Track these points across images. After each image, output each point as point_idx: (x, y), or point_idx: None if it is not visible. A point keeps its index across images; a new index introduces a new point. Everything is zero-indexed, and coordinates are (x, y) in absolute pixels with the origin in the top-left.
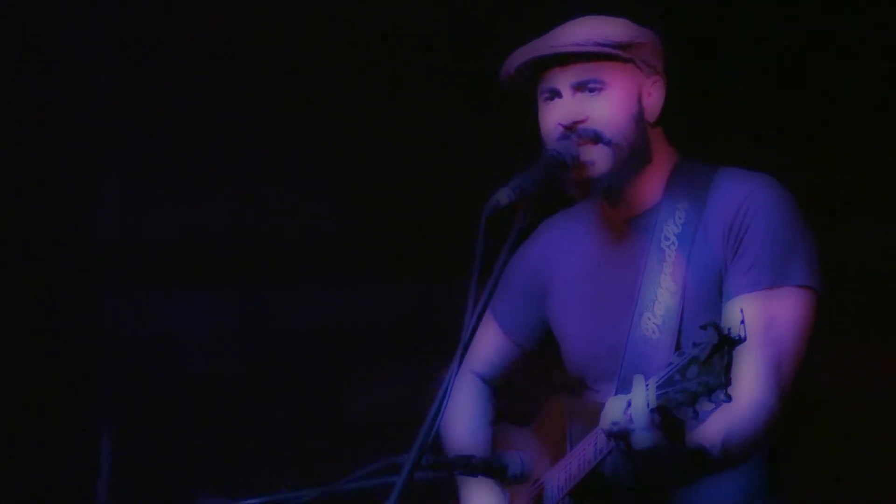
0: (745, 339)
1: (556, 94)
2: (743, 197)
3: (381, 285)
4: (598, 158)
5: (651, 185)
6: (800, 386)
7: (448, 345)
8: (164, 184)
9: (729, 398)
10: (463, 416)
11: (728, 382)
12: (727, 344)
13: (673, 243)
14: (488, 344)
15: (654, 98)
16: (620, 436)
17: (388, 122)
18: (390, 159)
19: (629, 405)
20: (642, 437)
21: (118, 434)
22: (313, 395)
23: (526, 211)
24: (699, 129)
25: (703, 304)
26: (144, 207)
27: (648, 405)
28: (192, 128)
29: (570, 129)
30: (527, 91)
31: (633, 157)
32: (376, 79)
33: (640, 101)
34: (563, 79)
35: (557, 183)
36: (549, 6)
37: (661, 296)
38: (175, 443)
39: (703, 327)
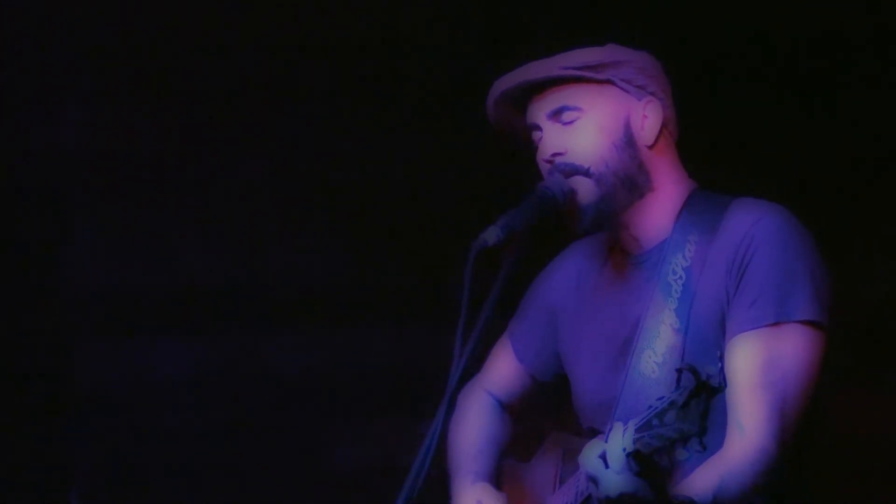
0: (724, 387)
1: (537, 128)
2: (747, 227)
3: (366, 330)
4: (581, 188)
5: (659, 217)
6: (805, 431)
7: (436, 392)
8: (137, 228)
9: (704, 448)
10: (471, 435)
11: (704, 431)
12: (705, 391)
13: (681, 277)
14: (503, 369)
15: (649, 120)
16: (595, 479)
17: (372, 162)
18: (375, 200)
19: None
20: (616, 482)
21: (89, 492)
22: (296, 445)
23: (516, 251)
24: (709, 158)
25: (706, 341)
26: (118, 253)
27: (624, 449)
28: (168, 170)
29: (551, 162)
30: (525, 136)
31: (624, 185)
32: (361, 118)
33: (627, 124)
34: (538, 111)
35: (550, 220)
36: (536, 42)
37: (664, 332)
38: (151, 500)
39: (679, 371)
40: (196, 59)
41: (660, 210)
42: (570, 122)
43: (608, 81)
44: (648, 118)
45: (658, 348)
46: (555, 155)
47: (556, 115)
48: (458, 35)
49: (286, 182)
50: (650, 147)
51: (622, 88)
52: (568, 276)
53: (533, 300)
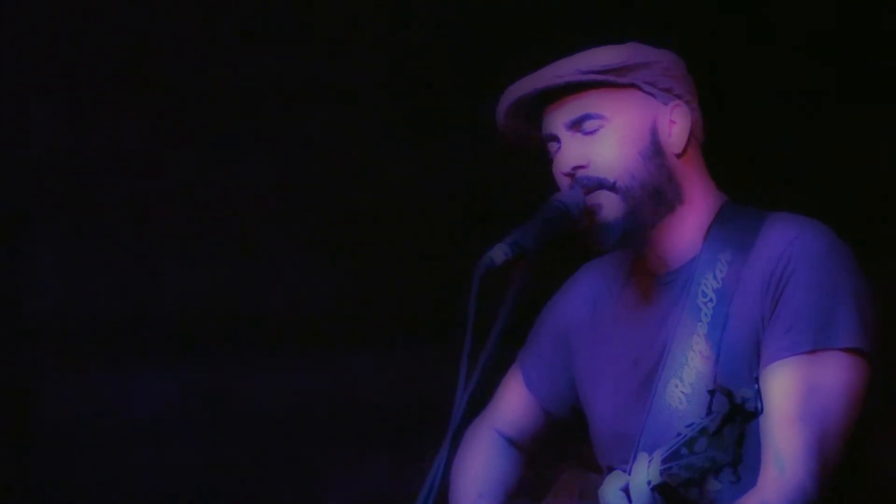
0: (761, 412)
1: (554, 139)
2: (784, 246)
3: (360, 359)
4: (607, 203)
5: (687, 233)
6: (846, 467)
7: (437, 428)
8: (104, 251)
9: (738, 478)
10: (474, 477)
11: (739, 460)
12: (740, 415)
13: (711, 300)
14: (513, 403)
15: (677, 126)
16: None
17: (366, 175)
18: (370, 216)
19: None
20: None
21: None
22: (280, 486)
23: (526, 271)
24: (733, 166)
25: (740, 370)
26: (83, 278)
27: (649, 482)
28: (141, 185)
29: (571, 176)
30: (537, 146)
31: (653, 198)
32: (353, 128)
33: (654, 132)
34: (556, 120)
35: (564, 237)
36: (547, 46)
37: (692, 360)
38: None
39: (712, 392)
40: (174, 66)
41: (689, 226)
42: (593, 132)
43: (632, 85)
44: (676, 124)
45: (686, 377)
46: (576, 168)
47: (576, 124)
48: (457, 43)
49: (271, 198)
50: (679, 155)
51: (647, 92)
52: (584, 298)
53: (545, 326)
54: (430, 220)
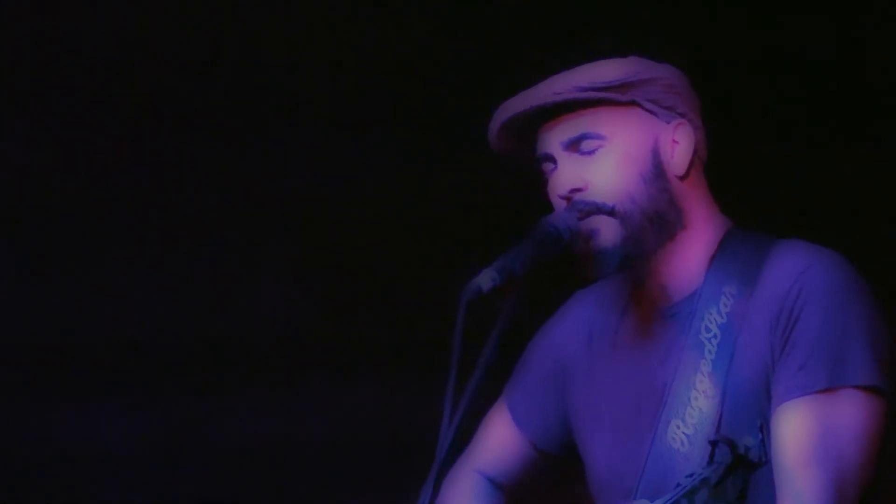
0: (765, 462)
1: (550, 159)
2: (794, 278)
3: (339, 392)
4: (604, 228)
5: (690, 262)
6: None
7: (420, 465)
8: (69, 275)
9: None
10: None
11: None
12: (743, 466)
13: (715, 336)
14: (499, 441)
15: (679, 146)
16: None
17: (347, 196)
18: (350, 240)
19: None
20: None
21: None
22: None
23: (515, 297)
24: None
25: (747, 411)
26: (43, 304)
27: None
28: (105, 207)
29: (568, 199)
30: (531, 165)
31: (653, 223)
32: (334, 146)
33: (656, 152)
34: (552, 139)
35: (555, 262)
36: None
37: (696, 400)
38: None
39: (713, 444)
40: (139, 79)
41: (691, 254)
42: (591, 153)
43: (633, 103)
44: (679, 144)
45: (689, 418)
46: (573, 191)
47: (573, 144)
48: (443, 55)
49: (245, 220)
50: (681, 178)
51: (649, 111)
52: (578, 329)
53: (535, 356)
54: (415, 245)
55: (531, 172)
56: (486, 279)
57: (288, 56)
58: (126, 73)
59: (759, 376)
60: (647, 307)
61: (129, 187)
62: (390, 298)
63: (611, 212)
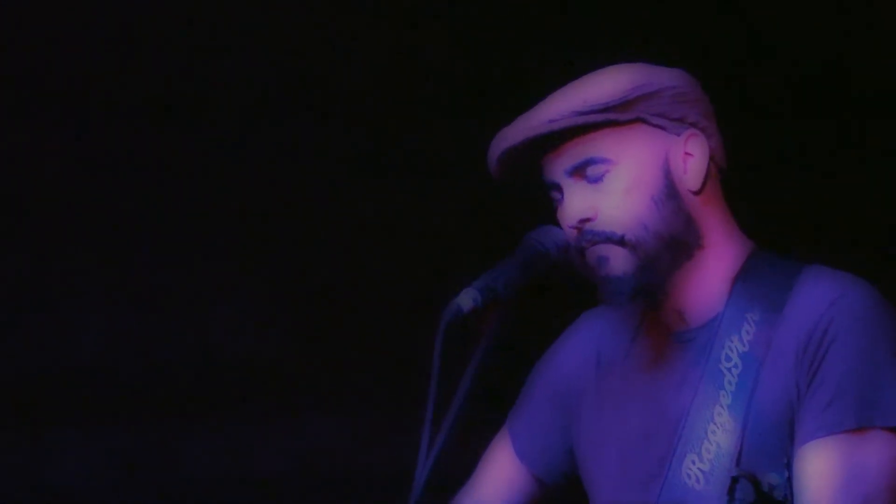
0: (790, 502)
1: (556, 188)
2: (824, 308)
3: (311, 423)
4: (613, 255)
5: (709, 285)
6: None
7: (399, 498)
8: (24, 296)
9: None
10: None
11: None
12: None
13: (736, 366)
14: (499, 474)
15: (693, 160)
16: None
17: (320, 215)
18: (323, 261)
19: None
20: None
21: None
22: None
23: (498, 319)
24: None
25: (768, 448)
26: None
27: None
28: (62, 221)
29: (579, 229)
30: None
31: (669, 247)
32: (304, 161)
33: (667, 170)
34: (555, 167)
35: (542, 282)
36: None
37: (713, 434)
38: None
39: (735, 480)
40: (96, 84)
41: (711, 276)
42: (598, 179)
43: (638, 120)
44: (693, 156)
45: (705, 453)
46: (583, 221)
47: (578, 170)
48: (424, 71)
49: (212, 240)
50: (696, 192)
51: (656, 125)
52: (586, 352)
53: (539, 382)
54: (389, 268)
55: (542, 199)
56: (466, 299)
57: (238, 76)
58: (64, 98)
59: (783, 411)
60: (661, 331)
61: (83, 209)
62: (357, 324)
63: (620, 241)
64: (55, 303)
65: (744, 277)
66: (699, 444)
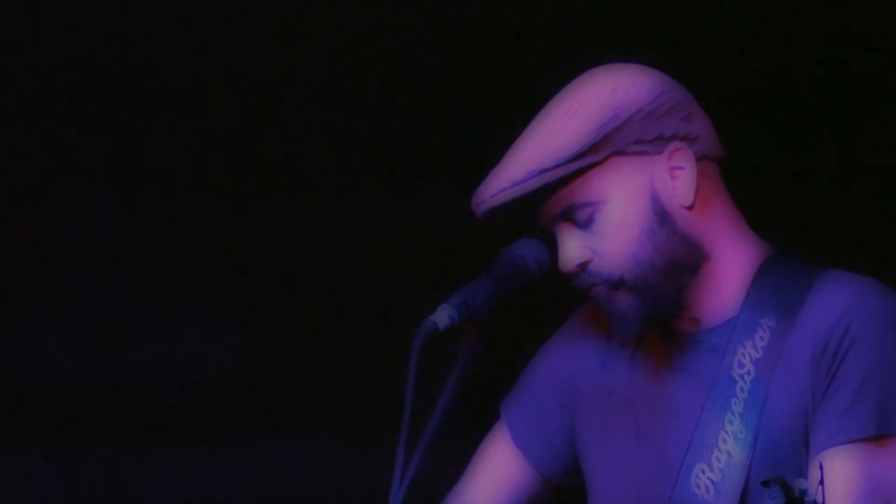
0: None
1: (551, 230)
2: (841, 312)
3: (276, 446)
4: (616, 297)
5: (723, 289)
6: None
7: None
8: None
9: None
10: None
11: None
12: None
13: (749, 372)
14: (497, 468)
15: (681, 173)
16: None
17: (284, 229)
18: (288, 276)
19: None
20: None
21: None
22: None
23: (476, 337)
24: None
25: (781, 457)
26: None
27: None
28: (31, 235)
29: (577, 274)
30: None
31: (669, 275)
32: (268, 173)
33: (655, 197)
34: (544, 214)
35: (522, 297)
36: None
37: (724, 443)
38: None
39: (765, 484)
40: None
41: (724, 280)
42: (586, 224)
43: (614, 154)
44: (682, 171)
45: (716, 462)
46: (580, 265)
47: (565, 217)
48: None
49: (170, 256)
50: (690, 208)
51: (635, 153)
52: (590, 345)
53: (540, 372)
54: (359, 284)
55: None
56: (443, 316)
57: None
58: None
59: (797, 419)
60: (678, 336)
61: (45, 228)
62: (326, 345)
63: (620, 283)
64: (12, 321)
65: (759, 282)
66: (709, 453)
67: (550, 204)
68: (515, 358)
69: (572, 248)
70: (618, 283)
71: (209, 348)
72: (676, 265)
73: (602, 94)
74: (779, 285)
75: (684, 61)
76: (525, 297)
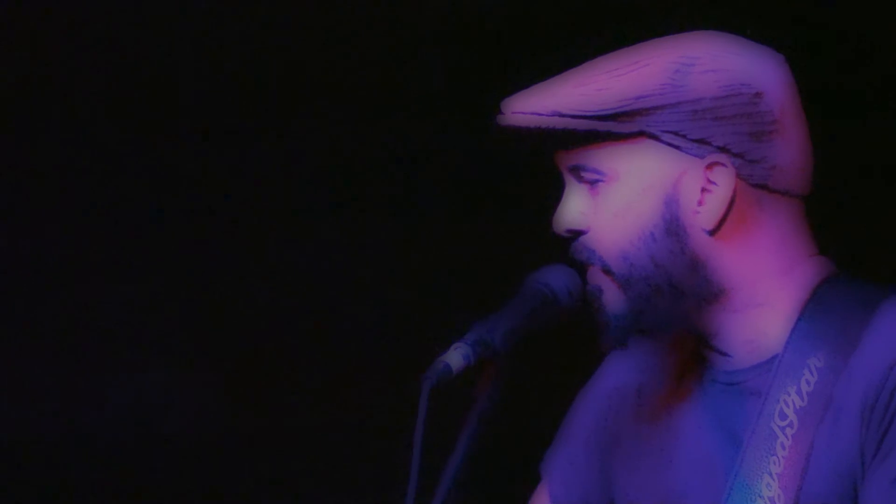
0: None
1: (561, 175)
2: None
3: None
4: (606, 290)
5: (759, 323)
6: None
7: None
8: None
9: None
10: None
11: None
12: None
13: (791, 424)
14: None
15: (713, 196)
16: None
17: (267, 254)
18: (269, 310)
19: None
20: None
21: None
22: None
23: (494, 380)
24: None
25: None
26: None
27: None
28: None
29: (570, 239)
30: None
31: (665, 296)
32: (242, 184)
33: (672, 201)
34: (558, 159)
35: (547, 332)
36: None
37: None
38: None
39: None
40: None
41: (760, 315)
42: (593, 185)
43: (643, 134)
44: (713, 191)
45: None
46: (571, 232)
47: (575, 172)
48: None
49: (134, 299)
50: (712, 233)
51: (668, 143)
52: (625, 392)
53: (576, 423)
54: (361, 322)
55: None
56: (456, 357)
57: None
58: None
59: (844, 482)
60: (705, 370)
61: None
62: (319, 386)
63: (606, 270)
64: None
65: (810, 313)
66: None
67: (566, 151)
68: (548, 405)
69: (571, 209)
70: (605, 270)
71: (179, 395)
72: (674, 287)
73: (666, 64)
74: (832, 318)
75: None
76: (552, 333)
